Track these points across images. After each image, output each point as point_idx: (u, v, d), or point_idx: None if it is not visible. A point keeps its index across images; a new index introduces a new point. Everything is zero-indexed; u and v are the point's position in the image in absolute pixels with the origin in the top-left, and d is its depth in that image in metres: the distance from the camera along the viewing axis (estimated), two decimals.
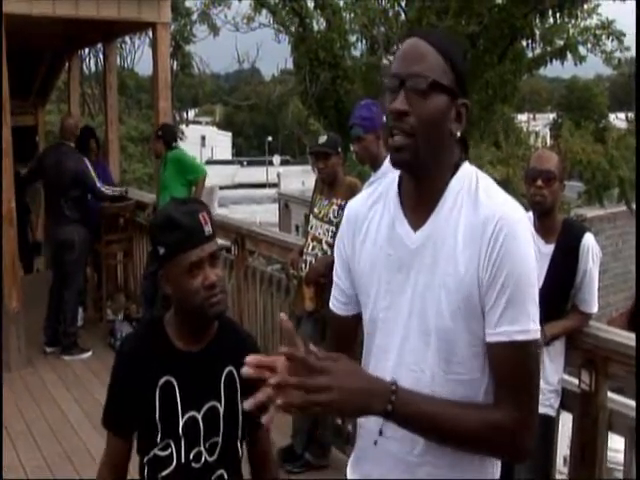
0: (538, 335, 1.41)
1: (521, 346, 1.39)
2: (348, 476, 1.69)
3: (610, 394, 2.93)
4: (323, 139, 4.03)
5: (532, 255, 1.42)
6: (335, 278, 1.69)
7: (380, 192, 1.61)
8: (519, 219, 1.42)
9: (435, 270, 1.45)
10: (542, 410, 2.96)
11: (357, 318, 1.65)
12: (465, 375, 1.46)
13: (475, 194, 1.46)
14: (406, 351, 1.50)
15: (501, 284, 1.39)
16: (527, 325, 1.40)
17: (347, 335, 1.71)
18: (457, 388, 1.46)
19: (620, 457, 2.86)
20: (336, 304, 1.70)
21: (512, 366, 1.40)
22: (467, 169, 1.51)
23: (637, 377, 2.51)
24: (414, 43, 1.46)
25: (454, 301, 1.43)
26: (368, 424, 1.57)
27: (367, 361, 1.62)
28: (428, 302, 1.46)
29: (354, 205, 1.65)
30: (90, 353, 6.10)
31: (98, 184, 6.23)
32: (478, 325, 1.43)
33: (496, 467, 1.56)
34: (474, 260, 1.41)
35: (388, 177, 1.63)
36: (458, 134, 1.48)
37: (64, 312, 6.12)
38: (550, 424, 3.04)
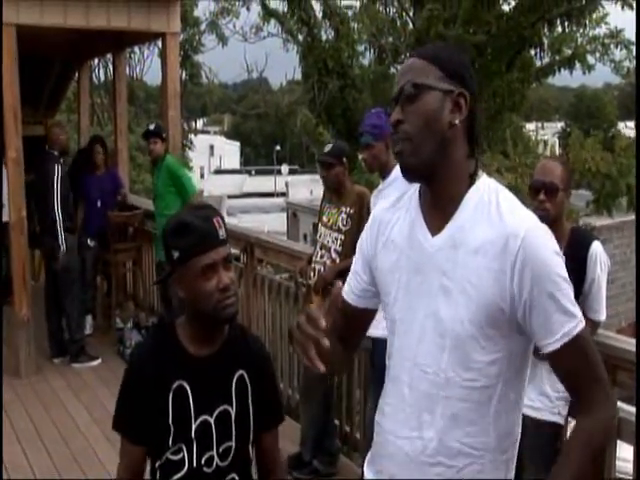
0: (582, 318, 1.51)
1: (577, 337, 1.49)
2: (365, 471, 1.75)
3: (619, 403, 2.92)
4: (328, 148, 4.08)
5: (557, 255, 1.49)
6: (353, 270, 1.76)
7: (404, 200, 1.67)
8: (542, 233, 1.50)
9: (454, 276, 1.50)
10: (551, 418, 2.97)
11: (363, 313, 1.74)
12: (480, 381, 1.52)
13: (497, 207, 1.52)
14: (421, 353, 1.55)
15: (542, 300, 1.47)
16: (577, 315, 1.50)
17: (351, 325, 1.77)
18: (471, 393, 1.51)
19: (630, 467, 2.85)
20: (349, 294, 1.76)
21: (577, 358, 1.50)
22: (485, 180, 1.57)
23: (637, 382, 2.51)
24: (404, 64, 1.60)
25: (474, 309, 1.49)
26: (384, 423, 1.65)
27: (389, 360, 1.68)
28: (444, 306, 1.52)
29: (380, 209, 1.73)
30: (99, 361, 6.10)
31: (55, 198, 5.90)
32: (498, 334, 1.50)
33: (510, 468, 1.62)
34: (499, 273, 1.47)
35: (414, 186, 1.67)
36: (457, 122, 1.52)
37: (67, 321, 6.11)
38: (559, 432, 3.03)
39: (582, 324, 1.50)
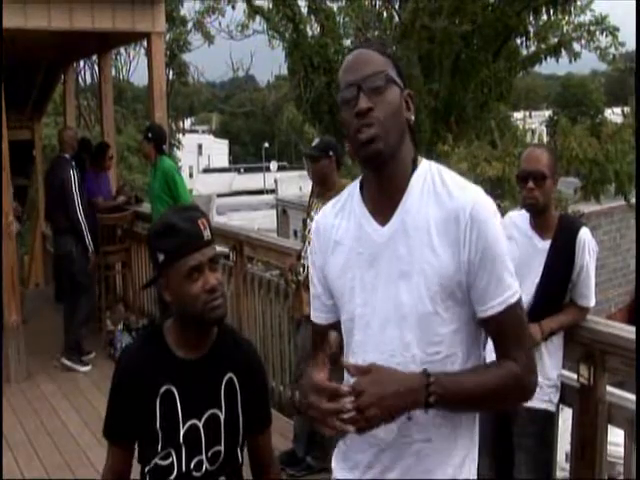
0: (519, 289, 1.59)
1: (515, 305, 1.57)
2: (333, 467, 1.77)
3: (609, 388, 2.93)
4: (316, 143, 4.10)
5: (502, 230, 1.58)
6: (313, 290, 1.78)
7: (344, 200, 1.71)
8: (488, 204, 1.57)
9: (411, 259, 1.55)
10: (542, 406, 2.97)
11: (335, 325, 1.74)
12: (445, 352, 1.58)
13: (443, 185, 1.58)
14: (385, 340, 1.59)
15: (488, 266, 1.54)
16: (513, 286, 1.58)
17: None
18: (437, 365, 1.56)
19: (620, 451, 2.86)
20: (316, 314, 1.80)
21: (512, 324, 1.57)
22: (426, 164, 1.63)
23: (637, 371, 2.51)
24: (357, 53, 1.62)
25: (432, 285, 1.54)
26: None
27: (348, 360, 1.67)
28: (404, 289, 1.56)
29: (321, 217, 1.75)
30: (89, 367, 6.06)
31: (77, 204, 6.04)
32: (455, 304, 1.57)
33: (476, 434, 1.69)
34: (452, 246, 1.54)
35: (350, 187, 1.73)
36: (412, 120, 1.61)
37: (77, 315, 6.12)
38: (550, 420, 3.03)
39: (517, 295, 1.57)
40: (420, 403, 1.47)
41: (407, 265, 1.55)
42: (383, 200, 1.60)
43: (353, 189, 1.70)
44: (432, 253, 1.54)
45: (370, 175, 1.63)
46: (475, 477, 1.67)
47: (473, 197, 1.55)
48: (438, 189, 1.57)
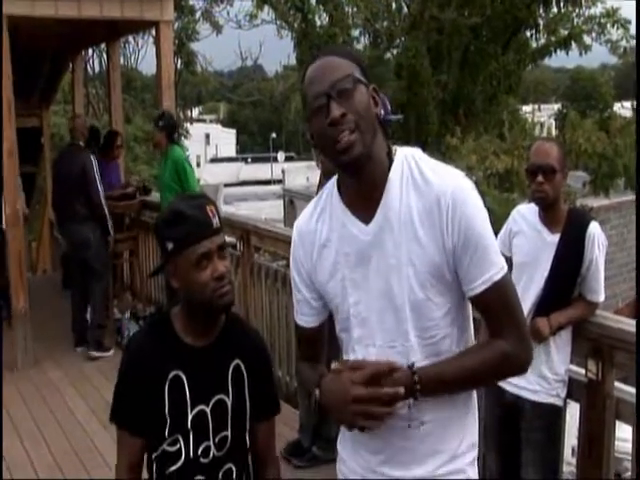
0: (506, 266, 1.63)
1: (502, 281, 1.60)
2: (340, 452, 1.81)
3: (617, 383, 2.92)
4: None
5: (483, 209, 1.60)
6: (298, 296, 1.80)
7: (323, 204, 1.72)
8: (466, 186, 1.59)
9: (399, 252, 1.59)
10: (549, 400, 2.97)
11: (323, 324, 1.81)
12: (440, 334, 1.64)
13: (421, 176, 1.60)
14: (385, 332, 1.64)
15: (472, 246, 1.57)
16: (500, 263, 1.60)
17: (319, 342, 1.86)
18: (433, 348, 1.63)
19: (628, 447, 2.85)
20: (304, 318, 1.82)
21: (500, 300, 1.60)
22: (400, 155, 1.64)
23: (637, 364, 2.51)
24: (319, 63, 1.60)
25: (422, 274, 1.59)
26: None
27: (349, 355, 1.73)
28: (394, 282, 1.60)
29: (302, 223, 1.76)
30: (112, 352, 6.00)
31: (99, 187, 6.08)
32: (446, 287, 1.61)
33: (474, 406, 1.75)
34: (436, 234, 1.57)
35: (326, 189, 1.73)
36: (382, 114, 1.63)
37: (93, 306, 6.12)
38: (558, 414, 3.03)
39: (503, 272, 1.60)
40: (407, 397, 1.56)
41: (395, 259, 1.59)
42: (364, 198, 1.62)
43: (331, 189, 1.70)
44: (418, 245, 1.58)
45: (348, 178, 1.63)
46: (476, 443, 1.73)
47: (452, 181, 1.58)
48: (417, 179, 1.59)
